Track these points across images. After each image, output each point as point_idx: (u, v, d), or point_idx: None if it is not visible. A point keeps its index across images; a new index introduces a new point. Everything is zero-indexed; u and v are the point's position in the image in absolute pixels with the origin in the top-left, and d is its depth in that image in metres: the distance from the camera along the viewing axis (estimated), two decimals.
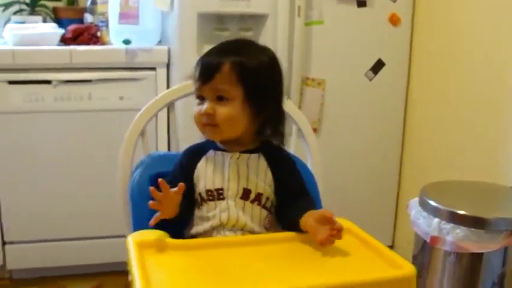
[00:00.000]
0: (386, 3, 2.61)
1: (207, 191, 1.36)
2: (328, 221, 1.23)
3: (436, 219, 1.88)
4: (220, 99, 1.32)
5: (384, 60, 2.67)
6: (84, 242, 2.77)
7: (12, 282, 2.78)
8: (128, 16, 2.54)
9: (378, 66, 2.67)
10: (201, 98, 1.35)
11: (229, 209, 1.34)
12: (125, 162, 1.56)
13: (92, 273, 2.82)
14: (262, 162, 1.39)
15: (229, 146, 1.40)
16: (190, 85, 1.60)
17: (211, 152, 1.40)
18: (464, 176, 2.21)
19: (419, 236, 1.98)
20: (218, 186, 1.36)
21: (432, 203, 1.91)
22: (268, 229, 1.39)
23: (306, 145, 1.68)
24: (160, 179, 1.24)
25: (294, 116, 1.65)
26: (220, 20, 2.49)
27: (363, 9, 2.60)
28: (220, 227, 1.35)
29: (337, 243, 1.28)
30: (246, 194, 1.36)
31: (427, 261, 2.00)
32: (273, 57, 1.42)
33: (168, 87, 2.66)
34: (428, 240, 1.91)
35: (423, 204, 1.96)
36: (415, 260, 2.07)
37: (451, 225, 1.85)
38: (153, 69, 2.65)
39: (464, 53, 2.41)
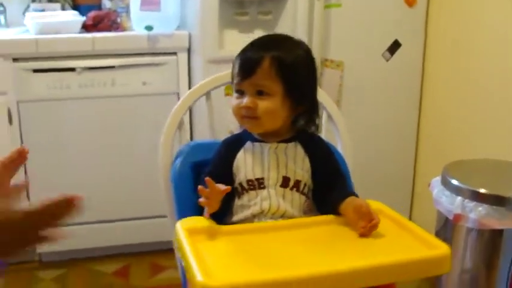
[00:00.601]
0: None
1: (248, 180, 1.42)
2: (365, 215, 1.29)
3: (459, 198, 1.95)
4: (260, 93, 1.38)
5: (400, 41, 2.72)
6: (111, 224, 2.84)
7: (42, 265, 2.86)
8: (149, 3, 2.58)
9: (395, 46, 2.72)
10: (240, 92, 1.41)
11: (271, 197, 1.40)
12: (165, 152, 1.62)
13: (120, 254, 2.89)
14: (300, 151, 1.45)
15: (266, 136, 1.45)
16: (224, 76, 1.67)
17: (249, 144, 1.45)
18: (482, 154, 2.27)
19: (442, 213, 2.05)
20: (258, 175, 1.42)
21: (454, 182, 1.98)
22: (306, 214, 1.45)
23: (336, 129, 1.74)
24: (207, 178, 1.29)
25: (324, 103, 1.70)
26: (240, 4, 2.54)
27: None
28: (261, 215, 1.41)
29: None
30: (285, 182, 1.42)
31: (449, 237, 2.07)
32: (308, 50, 1.48)
33: (189, 71, 2.72)
34: (451, 218, 1.98)
35: (445, 183, 2.02)
36: (437, 236, 2.13)
37: (474, 203, 1.92)
38: (174, 54, 2.70)
39: (479, 31, 2.45)
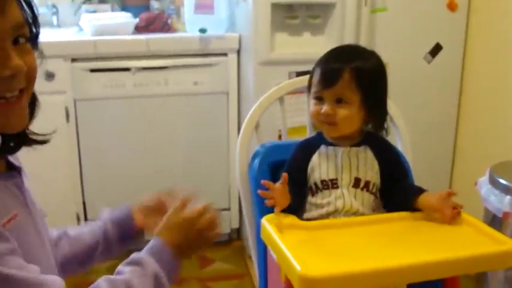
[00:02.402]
0: None
1: (322, 181, 1.54)
2: (449, 203, 1.41)
3: (508, 197, 2.05)
4: (339, 101, 1.49)
5: (441, 44, 2.81)
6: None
7: None
8: (203, 6, 2.70)
9: (436, 49, 2.82)
10: (319, 99, 1.52)
11: (344, 196, 1.52)
12: (242, 152, 1.72)
13: None
14: (369, 154, 1.57)
15: (339, 140, 1.57)
16: (296, 82, 1.78)
17: (323, 147, 1.56)
18: None
19: (490, 211, 2.16)
20: (332, 176, 1.53)
21: (503, 181, 2.08)
22: (375, 211, 1.57)
23: (397, 130, 1.84)
24: (263, 181, 1.42)
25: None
26: (290, 8, 2.64)
27: None
28: (335, 213, 1.53)
29: (440, 222, 1.47)
30: (356, 183, 1.54)
31: None
32: (380, 59, 1.59)
33: (238, 72, 2.83)
34: (500, 216, 2.08)
35: (494, 183, 2.13)
36: None
37: None
38: (225, 55, 2.82)
39: None
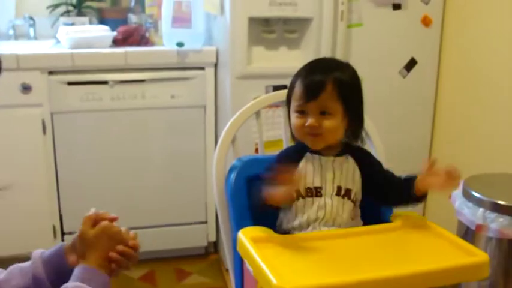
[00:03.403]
0: (419, 6, 2.79)
1: (307, 188, 1.56)
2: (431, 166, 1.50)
3: (481, 209, 2.08)
4: (323, 113, 1.52)
5: (416, 58, 2.86)
6: (137, 231, 2.92)
7: None
8: (181, 20, 2.71)
9: (411, 64, 2.86)
10: (302, 112, 1.54)
11: (326, 206, 1.55)
12: (219, 166, 1.73)
13: (144, 260, 3.00)
14: (351, 162, 1.61)
15: (323, 150, 1.59)
16: (273, 96, 1.81)
17: (309, 155, 1.59)
18: (496, 170, 2.41)
19: (463, 223, 2.19)
20: (317, 184, 1.56)
21: (476, 194, 2.11)
22: (353, 219, 1.60)
23: (373, 147, 1.87)
24: (283, 167, 1.43)
25: None
26: (266, 23, 2.66)
27: (398, 11, 2.78)
28: (316, 221, 1.55)
29: (415, 235, 1.51)
30: (338, 191, 1.57)
31: None
32: (354, 70, 1.62)
33: (215, 85, 2.85)
34: (473, 228, 2.11)
35: (467, 196, 2.16)
36: None
37: (495, 214, 2.05)
38: (202, 68, 2.83)
39: (492, 52, 2.59)
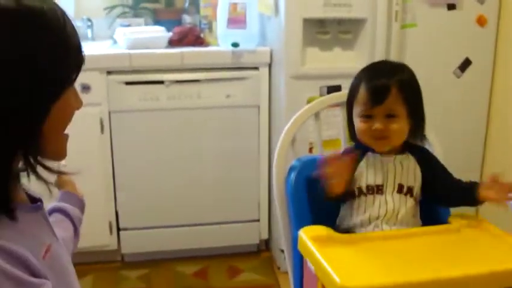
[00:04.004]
0: (474, 5, 2.78)
1: (367, 186, 1.60)
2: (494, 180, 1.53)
3: None
4: (389, 116, 1.54)
5: (471, 58, 2.84)
6: (190, 228, 3.02)
7: (124, 264, 3.05)
8: (236, 21, 2.75)
9: (465, 64, 2.84)
10: (368, 116, 1.57)
11: (387, 203, 1.59)
12: (279, 167, 1.77)
13: (198, 257, 3.07)
14: (412, 161, 1.64)
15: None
16: (331, 98, 1.83)
17: (370, 154, 1.62)
18: None
19: None
20: (379, 182, 1.60)
21: None
22: (414, 216, 1.63)
23: (429, 146, 1.87)
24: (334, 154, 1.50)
25: None
26: (321, 23, 2.68)
27: (452, 11, 2.77)
28: (378, 219, 1.58)
29: (475, 236, 1.53)
30: (400, 188, 1.60)
31: None
32: (412, 72, 1.64)
33: (269, 85, 2.88)
34: None
35: None
36: None
37: None
38: (256, 68, 2.87)
39: None
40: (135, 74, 2.79)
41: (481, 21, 2.81)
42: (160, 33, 2.95)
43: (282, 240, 1.80)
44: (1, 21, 0.91)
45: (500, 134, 2.92)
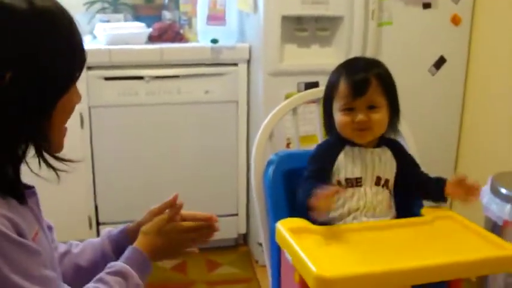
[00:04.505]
0: (449, 5, 2.84)
1: (347, 179, 1.64)
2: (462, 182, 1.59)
3: (509, 205, 2.14)
4: (370, 108, 1.60)
5: (445, 56, 2.91)
6: None
7: None
8: (215, 18, 2.79)
9: (440, 62, 2.91)
10: (349, 109, 1.61)
11: (366, 195, 1.64)
12: (258, 161, 1.81)
13: None
14: (388, 154, 1.70)
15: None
16: (308, 94, 1.88)
17: (348, 147, 1.67)
18: None
19: (490, 219, 2.24)
20: (357, 175, 1.64)
21: (504, 191, 2.17)
22: (390, 208, 1.68)
23: (404, 141, 1.93)
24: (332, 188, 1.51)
25: None
26: (299, 21, 2.73)
27: (427, 10, 2.83)
28: (356, 211, 1.63)
29: (446, 228, 1.58)
30: (378, 181, 1.65)
31: None
32: (386, 67, 1.70)
33: (248, 81, 2.92)
34: (500, 224, 2.17)
35: (495, 192, 2.21)
36: None
37: None
38: (235, 65, 2.91)
39: None
40: (114, 69, 2.81)
41: (456, 20, 2.88)
42: (140, 29, 2.97)
43: (260, 233, 1.84)
44: (15, 21, 0.97)
45: (473, 130, 2.99)
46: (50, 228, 1.27)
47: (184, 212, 1.39)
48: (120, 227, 1.43)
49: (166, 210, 1.38)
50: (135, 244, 1.29)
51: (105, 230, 1.43)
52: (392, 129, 1.71)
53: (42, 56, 1.00)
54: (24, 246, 1.00)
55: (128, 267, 1.22)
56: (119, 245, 1.37)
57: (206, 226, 1.39)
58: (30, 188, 1.14)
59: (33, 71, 0.99)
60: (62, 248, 1.38)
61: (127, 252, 1.26)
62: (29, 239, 1.03)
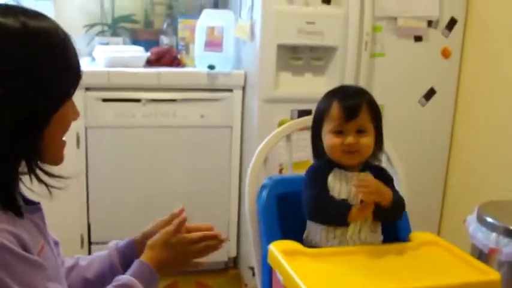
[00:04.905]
0: (440, 38, 2.93)
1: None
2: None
3: (494, 234, 2.20)
4: (359, 132, 1.67)
5: (435, 88, 2.99)
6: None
7: None
8: (213, 44, 2.86)
9: (430, 93, 2.99)
10: (339, 132, 1.67)
11: None
12: (252, 184, 1.86)
13: None
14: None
15: (349, 166, 1.73)
16: (303, 121, 1.94)
17: (336, 170, 1.72)
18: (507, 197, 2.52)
19: (476, 247, 2.30)
20: (344, 197, 1.69)
21: (490, 219, 2.23)
22: (374, 232, 1.72)
23: (394, 172, 1.99)
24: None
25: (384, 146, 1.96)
26: (294, 50, 2.80)
27: (419, 43, 2.92)
28: (341, 235, 1.67)
29: (432, 254, 1.64)
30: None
31: None
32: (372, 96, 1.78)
33: (242, 107, 2.98)
34: (486, 251, 2.22)
35: (481, 221, 2.27)
36: None
37: (507, 239, 2.17)
38: (231, 90, 2.98)
39: (509, 85, 2.72)
40: (112, 91, 2.87)
41: (446, 54, 2.96)
42: (138, 52, 3.04)
43: (252, 255, 1.88)
44: (8, 40, 1.01)
45: (462, 159, 3.06)
46: (56, 243, 1.29)
47: (188, 224, 1.43)
48: (126, 239, 1.46)
49: (173, 222, 1.40)
50: (142, 257, 1.32)
51: (112, 242, 1.46)
52: (375, 155, 1.77)
53: (34, 74, 1.03)
54: (28, 261, 1.03)
55: (134, 280, 1.25)
56: (126, 257, 1.41)
57: (212, 236, 1.43)
58: (36, 203, 1.18)
59: (25, 88, 1.02)
60: (68, 262, 1.40)
61: (134, 266, 1.29)
62: (34, 253, 1.06)
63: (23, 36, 1.02)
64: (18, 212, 1.07)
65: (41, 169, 1.11)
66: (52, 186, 1.14)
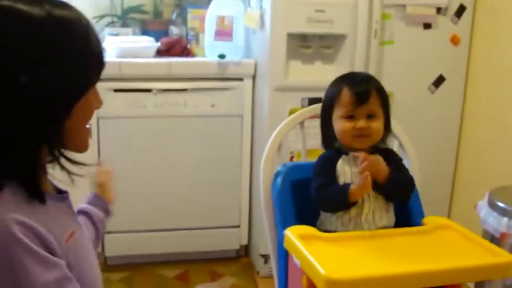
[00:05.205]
0: (449, 26, 2.94)
1: (345, 184, 1.72)
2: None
3: (505, 218, 2.22)
4: (370, 117, 1.71)
5: (444, 75, 3.00)
6: (172, 233, 3.12)
7: (107, 267, 3.12)
8: (223, 33, 2.88)
9: (439, 81, 3.00)
10: (350, 117, 1.70)
11: (364, 200, 1.71)
12: (266, 172, 1.88)
13: (179, 261, 3.16)
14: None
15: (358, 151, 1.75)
16: (315, 108, 1.96)
17: (344, 156, 1.76)
18: None
19: (488, 232, 2.32)
20: (355, 180, 1.70)
21: (501, 204, 2.25)
22: (388, 211, 1.76)
23: (406, 157, 2.01)
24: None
25: (396, 132, 1.98)
26: (304, 38, 2.82)
27: (428, 30, 2.93)
28: (357, 216, 1.71)
29: (446, 237, 1.67)
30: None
31: None
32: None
33: (253, 96, 3.00)
34: (497, 236, 2.24)
35: (492, 206, 2.29)
36: None
37: None
38: (241, 79, 2.99)
39: None
40: (123, 81, 2.89)
41: (455, 41, 2.97)
42: (149, 43, 3.06)
43: (267, 242, 1.90)
44: (32, 28, 1.02)
45: (471, 146, 3.08)
46: None
47: None
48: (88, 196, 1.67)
49: None
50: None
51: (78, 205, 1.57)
52: (383, 139, 1.79)
53: (57, 62, 1.04)
54: (39, 256, 1.00)
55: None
56: (102, 206, 1.68)
57: None
58: (64, 192, 1.21)
59: (48, 77, 1.03)
60: None
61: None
62: (59, 242, 1.05)
63: (47, 25, 1.04)
64: (42, 199, 1.08)
65: (64, 156, 1.12)
66: (75, 174, 1.15)
